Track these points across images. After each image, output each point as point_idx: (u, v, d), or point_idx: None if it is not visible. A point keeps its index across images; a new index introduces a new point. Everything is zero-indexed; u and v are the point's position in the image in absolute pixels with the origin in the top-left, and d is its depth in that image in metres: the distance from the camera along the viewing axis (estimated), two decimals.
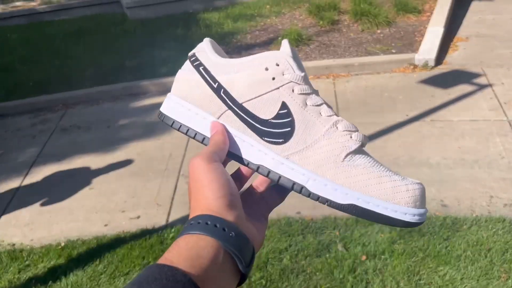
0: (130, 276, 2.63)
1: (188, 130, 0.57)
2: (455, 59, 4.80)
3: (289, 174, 0.53)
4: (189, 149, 3.73)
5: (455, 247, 2.58)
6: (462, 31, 5.46)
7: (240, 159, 0.56)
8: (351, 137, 0.53)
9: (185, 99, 0.58)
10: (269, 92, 0.54)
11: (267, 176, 0.54)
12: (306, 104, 0.54)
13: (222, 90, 0.56)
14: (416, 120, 3.79)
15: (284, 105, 0.54)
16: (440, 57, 4.84)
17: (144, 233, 2.92)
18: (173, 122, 0.58)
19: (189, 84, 0.58)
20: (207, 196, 0.49)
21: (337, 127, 0.54)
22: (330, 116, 0.54)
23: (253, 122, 0.55)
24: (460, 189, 3.00)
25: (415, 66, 4.74)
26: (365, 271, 2.49)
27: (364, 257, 2.57)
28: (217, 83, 0.56)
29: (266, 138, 0.55)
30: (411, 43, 5.21)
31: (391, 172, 0.53)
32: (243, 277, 0.48)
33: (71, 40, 6.37)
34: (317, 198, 0.52)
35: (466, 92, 4.12)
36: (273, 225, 2.80)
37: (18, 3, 10.15)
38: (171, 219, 3.03)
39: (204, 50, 0.60)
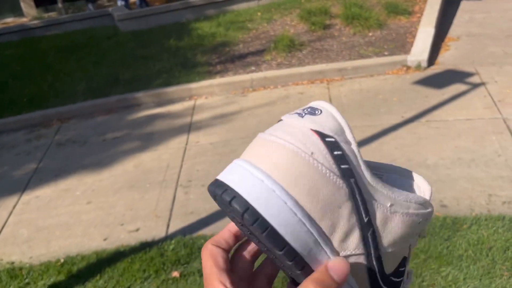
0: None
1: (304, 266, 0.39)
2: (447, 59, 4.82)
3: None
4: (186, 159, 3.72)
5: (456, 247, 2.57)
6: (453, 31, 5.49)
7: None
8: None
9: (311, 212, 0.37)
10: (405, 247, 0.43)
11: None
12: None
13: (371, 230, 0.39)
14: (412, 121, 3.80)
15: (404, 260, 0.44)
16: (433, 57, 4.86)
17: (144, 246, 2.90)
18: (286, 247, 0.37)
19: (326, 197, 0.37)
20: None
21: None
22: None
23: (378, 278, 0.41)
24: (458, 188, 3.00)
25: (408, 68, 4.75)
26: None
27: None
28: (368, 218, 0.39)
29: None
30: (403, 45, 5.23)
31: None
32: None
33: (64, 55, 6.37)
34: None
35: (460, 91, 4.13)
36: None
37: (8, 20, 10.14)
38: (170, 231, 3.02)
39: (348, 141, 0.40)
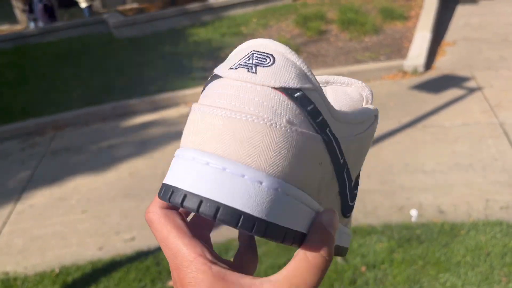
0: None
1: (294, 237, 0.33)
2: (443, 64, 4.82)
3: (347, 243, 0.45)
4: None
5: (454, 253, 2.55)
6: (449, 36, 5.50)
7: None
8: None
9: (301, 186, 0.32)
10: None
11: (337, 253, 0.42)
12: None
13: (345, 169, 0.36)
14: (409, 127, 3.79)
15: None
16: (429, 62, 4.86)
17: (140, 255, 2.87)
18: (286, 233, 0.31)
19: (306, 158, 0.32)
20: None
21: None
22: None
23: (348, 197, 0.40)
24: (456, 194, 2.98)
25: (405, 73, 4.75)
26: (365, 282, 2.46)
27: (364, 268, 2.54)
28: (343, 158, 0.35)
29: (348, 214, 0.42)
30: (399, 50, 5.23)
31: None
32: None
33: (58, 62, 6.35)
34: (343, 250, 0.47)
35: (457, 96, 4.13)
36: None
37: (3, 27, 10.12)
38: None
39: (313, 87, 0.32)
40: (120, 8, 8.84)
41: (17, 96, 5.54)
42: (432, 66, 4.81)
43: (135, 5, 8.93)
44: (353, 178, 0.39)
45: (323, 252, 0.33)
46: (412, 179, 3.16)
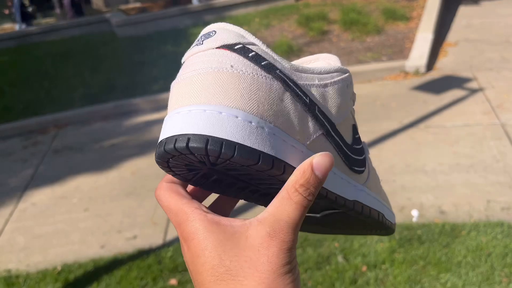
0: None
1: (285, 166, 0.37)
2: (445, 65, 4.83)
3: (376, 205, 0.47)
4: None
5: (455, 254, 2.56)
6: (451, 37, 5.50)
7: (337, 199, 0.43)
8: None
9: (262, 116, 0.37)
10: (348, 114, 0.45)
11: (360, 212, 0.45)
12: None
13: (317, 108, 0.41)
14: (410, 127, 3.79)
15: (355, 129, 0.46)
16: (431, 63, 4.86)
17: (141, 253, 2.88)
18: (260, 155, 0.35)
19: (264, 94, 0.37)
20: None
21: (368, 149, 0.51)
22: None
23: (345, 149, 0.44)
24: (457, 194, 2.99)
25: (407, 73, 4.75)
26: (366, 282, 2.47)
27: (364, 268, 2.55)
28: (308, 98, 0.40)
29: (354, 167, 0.45)
30: (401, 50, 5.23)
31: None
32: None
33: (61, 61, 6.36)
34: (389, 224, 0.50)
35: (458, 97, 4.13)
36: None
37: (6, 26, 10.14)
38: (168, 238, 3.00)
39: (253, 42, 0.39)
40: (123, 7, 8.86)
41: (19, 95, 5.55)
42: (434, 67, 4.81)
43: (137, 4, 8.95)
44: (343, 131, 0.44)
45: (302, 190, 0.36)
46: (413, 179, 3.16)
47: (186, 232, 0.37)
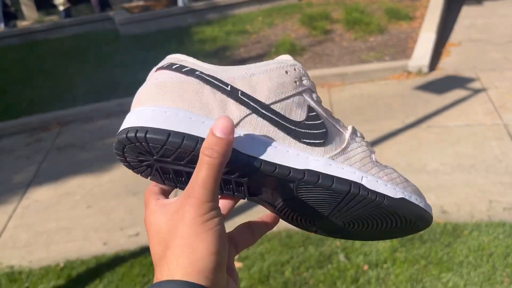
0: None
1: (198, 140, 0.46)
2: (448, 65, 4.83)
3: (343, 175, 0.48)
4: None
5: (456, 253, 2.56)
6: (454, 36, 5.50)
7: (276, 169, 0.46)
8: (366, 141, 0.53)
9: (180, 108, 0.47)
10: (294, 95, 0.50)
11: (317, 181, 0.47)
12: (325, 111, 0.52)
13: (240, 92, 0.49)
14: (412, 127, 3.80)
15: (311, 109, 0.51)
16: (434, 63, 4.86)
17: (144, 251, 2.89)
18: (170, 134, 0.45)
19: (183, 90, 0.48)
20: (196, 252, 0.40)
21: (356, 133, 0.53)
22: (343, 124, 0.53)
23: (287, 124, 0.49)
24: (459, 194, 2.99)
25: (409, 73, 4.75)
26: (367, 281, 2.47)
27: (366, 267, 2.55)
28: (229, 86, 0.49)
29: (304, 140, 0.49)
30: (404, 50, 5.23)
31: None
32: None
33: (64, 59, 6.38)
34: (376, 196, 0.48)
35: (461, 97, 4.13)
36: (274, 237, 2.78)
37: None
38: None
39: (185, 60, 0.52)
40: (126, 5, 8.87)
41: (23, 92, 5.57)
42: (437, 67, 4.81)
43: (141, 3, 8.96)
44: (283, 109, 0.50)
45: (208, 152, 0.42)
46: (415, 178, 3.15)
47: (146, 213, 0.47)
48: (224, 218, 0.47)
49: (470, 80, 4.39)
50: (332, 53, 5.47)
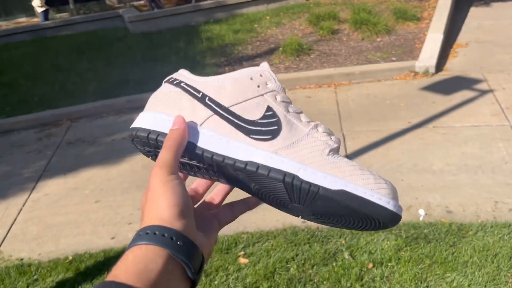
0: None
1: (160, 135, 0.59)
2: (455, 66, 4.83)
3: (279, 166, 0.55)
4: None
5: (461, 253, 2.58)
6: (462, 37, 5.50)
7: (224, 159, 0.56)
8: (330, 138, 0.58)
9: (163, 112, 0.60)
10: (254, 97, 0.58)
11: (256, 171, 0.55)
12: (288, 110, 0.59)
13: (207, 98, 0.59)
14: (419, 127, 3.81)
15: (269, 108, 0.58)
16: (441, 63, 4.87)
17: None
18: (149, 132, 0.59)
19: (168, 98, 0.61)
20: (160, 205, 0.51)
21: (317, 129, 0.58)
22: (309, 121, 0.59)
23: (240, 123, 0.57)
24: (464, 195, 3.01)
25: (416, 73, 4.76)
26: (372, 279, 2.50)
27: (370, 265, 2.58)
28: (201, 93, 0.59)
29: (253, 136, 0.57)
30: (411, 50, 5.24)
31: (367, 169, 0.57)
32: (193, 284, 0.51)
33: (75, 55, 6.43)
34: (309, 186, 0.54)
35: (468, 98, 4.14)
36: (279, 234, 2.81)
37: (20, 19, 10.23)
38: None
39: (183, 74, 0.64)
40: (136, 3, 8.91)
41: (34, 88, 5.63)
42: (444, 68, 4.82)
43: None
44: (240, 110, 0.58)
45: (167, 138, 0.55)
46: (421, 179, 3.18)
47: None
48: (203, 192, 0.64)
49: (477, 81, 4.39)
50: (339, 52, 5.48)
